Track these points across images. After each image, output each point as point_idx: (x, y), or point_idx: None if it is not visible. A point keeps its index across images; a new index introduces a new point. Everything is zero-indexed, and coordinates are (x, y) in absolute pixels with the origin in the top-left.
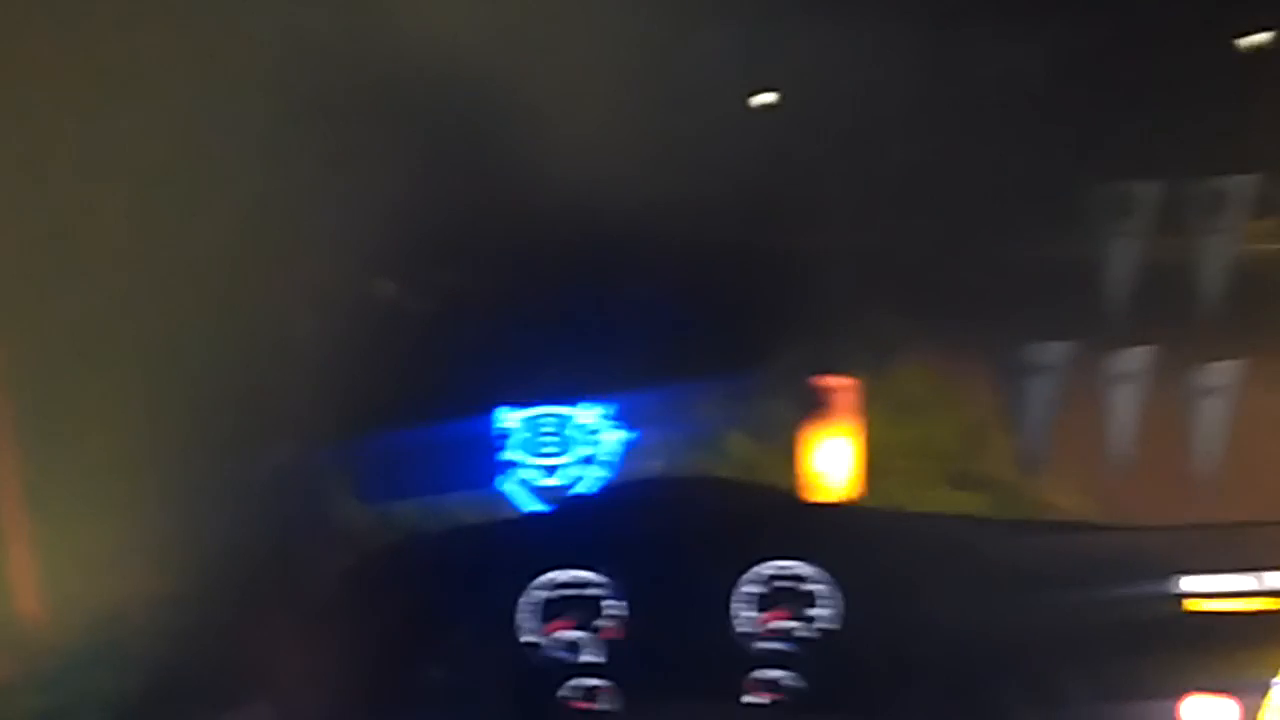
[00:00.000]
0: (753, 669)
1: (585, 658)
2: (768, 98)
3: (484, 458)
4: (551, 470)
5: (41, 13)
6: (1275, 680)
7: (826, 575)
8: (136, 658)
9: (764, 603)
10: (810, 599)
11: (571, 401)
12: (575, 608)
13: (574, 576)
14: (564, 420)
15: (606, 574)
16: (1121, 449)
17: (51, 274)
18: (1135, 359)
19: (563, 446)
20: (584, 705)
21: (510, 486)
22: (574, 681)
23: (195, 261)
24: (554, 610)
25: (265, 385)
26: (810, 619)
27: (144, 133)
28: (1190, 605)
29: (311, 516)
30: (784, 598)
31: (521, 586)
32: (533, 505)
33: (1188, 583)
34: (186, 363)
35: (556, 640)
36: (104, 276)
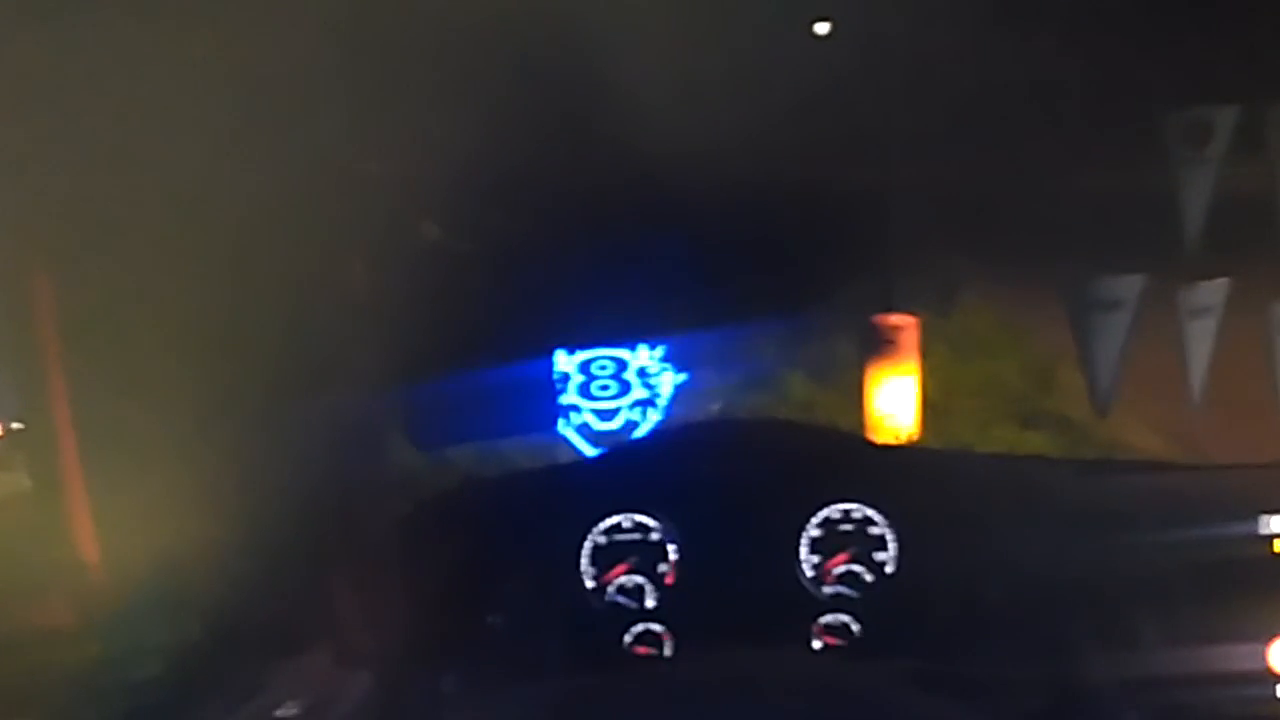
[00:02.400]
0: (817, 614)
1: (646, 603)
2: (825, 29)
3: (541, 402)
4: (609, 414)
5: None
6: None
7: (892, 518)
8: (194, 605)
9: (827, 547)
10: (875, 542)
11: (629, 344)
12: (635, 553)
13: (633, 522)
14: (621, 363)
15: (666, 519)
16: (1197, 386)
17: (103, 223)
18: (1210, 292)
19: (620, 390)
20: (645, 651)
21: (567, 431)
22: (634, 627)
23: (247, 207)
24: (613, 556)
25: (319, 331)
26: (875, 563)
27: (192, 76)
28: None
29: (367, 463)
30: (848, 541)
31: (580, 532)
32: (590, 449)
33: (1275, 522)
34: (240, 310)
35: (616, 586)
36: (156, 224)
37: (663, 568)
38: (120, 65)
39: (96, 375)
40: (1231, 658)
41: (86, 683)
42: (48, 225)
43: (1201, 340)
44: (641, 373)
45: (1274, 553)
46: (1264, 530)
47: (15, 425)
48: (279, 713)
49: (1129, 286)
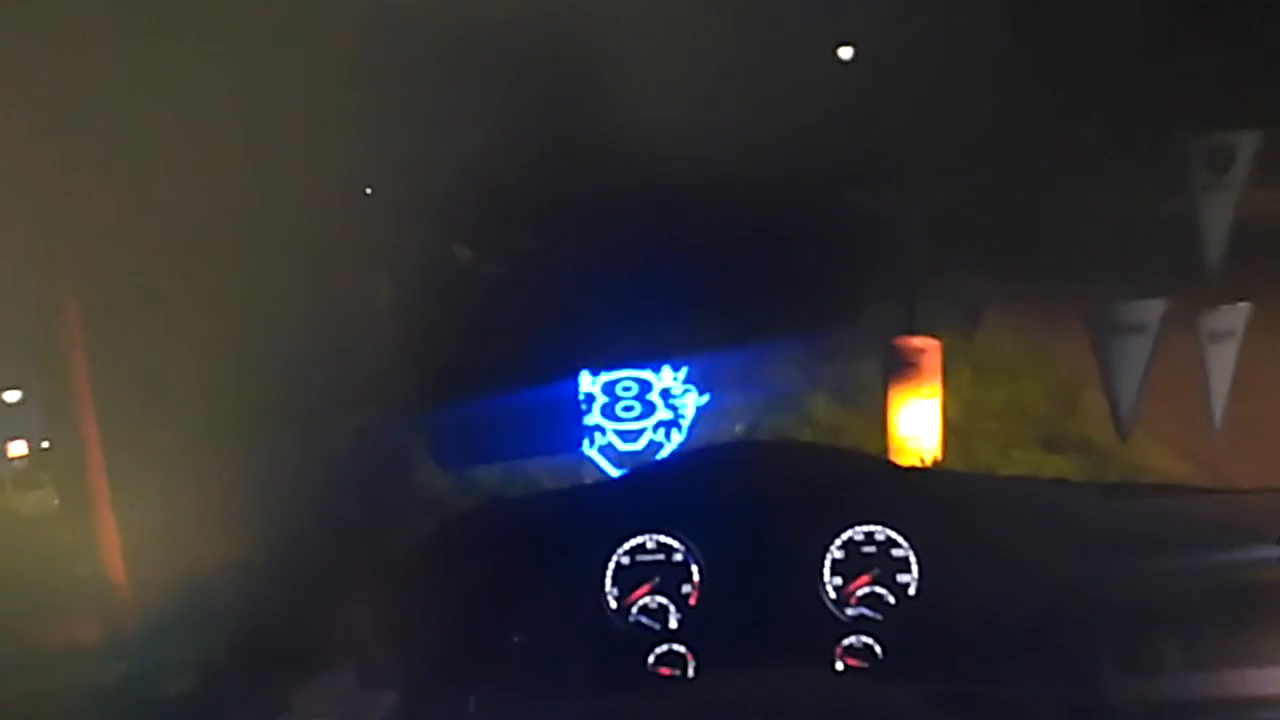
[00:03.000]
0: (839, 636)
1: (669, 624)
2: (850, 54)
3: (565, 423)
4: (633, 435)
5: None
6: None
7: (914, 540)
8: (219, 623)
9: (850, 569)
10: (898, 565)
11: (653, 365)
12: (658, 574)
13: (657, 543)
14: (645, 385)
15: (689, 540)
16: (1218, 409)
17: (133, 243)
18: (1232, 316)
19: (644, 411)
20: (668, 672)
21: (591, 451)
22: (658, 648)
23: (276, 229)
24: (636, 577)
25: (346, 351)
26: (898, 585)
27: (223, 96)
28: None
29: (392, 482)
30: (871, 564)
31: (604, 553)
32: (614, 470)
33: None
34: (268, 329)
35: (639, 607)
36: (185, 246)
37: (686, 589)
38: (148, 94)
39: (123, 396)
40: (1247, 684)
41: (113, 700)
42: (76, 249)
43: (1223, 364)
44: (665, 394)
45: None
46: (1267, 548)
47: (43, 444)
48: None
49: (1151, 310)
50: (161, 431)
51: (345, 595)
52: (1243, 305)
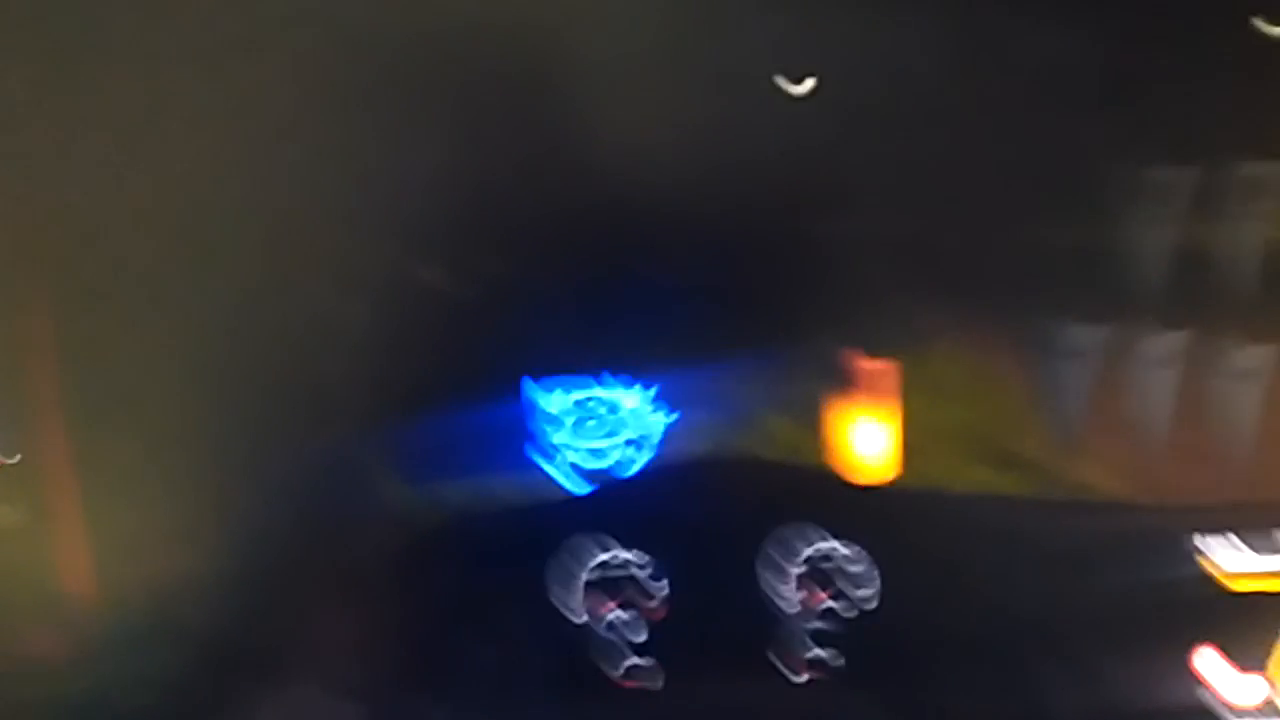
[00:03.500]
0: (800, 648)
1: (630, 637)
2: (807, 84)
3: (530, 440)
4: (600, 453)
5: None
6: None
7: (868, 555)
8: (185, 637)
9: (806, 583)
10: (851, 579)
11: (616, 384)
12: (621, 588)
13: (619, 558)
14: (609, 403)
15: (655, 556)
16: (1158, 431)
17: (98, 255)
18: (1171, 342)
19: (612, 429)
20: (634, 684)
21: (556, 469)
22: (624, 661)
23: (240, 245)
24: (600, 591)
25: (312, 367)
26: (851, 599)
27: (186, 113)
28: (1223, 582)
29: (357, 498)
30: (826, 578)
31: (571, 568)
32: (579, 487)
33: (1216, 558)
34: (233, 345)
35: (606, 621)
36: (150, 259)
37: (651, 604)
38: (119, 105)
39: (93, 410)
40: (1193, 692)
41: (79, 715)
42: (47, 260)
43: (1162, 388)
44: (629, 412)
45: (1220, 591)
46: (1207, 567)
47: (14, 459)
48: None
49: (1092, 336)
50: (128, 446)
51: (313, 609)
52: (1182, 331)
